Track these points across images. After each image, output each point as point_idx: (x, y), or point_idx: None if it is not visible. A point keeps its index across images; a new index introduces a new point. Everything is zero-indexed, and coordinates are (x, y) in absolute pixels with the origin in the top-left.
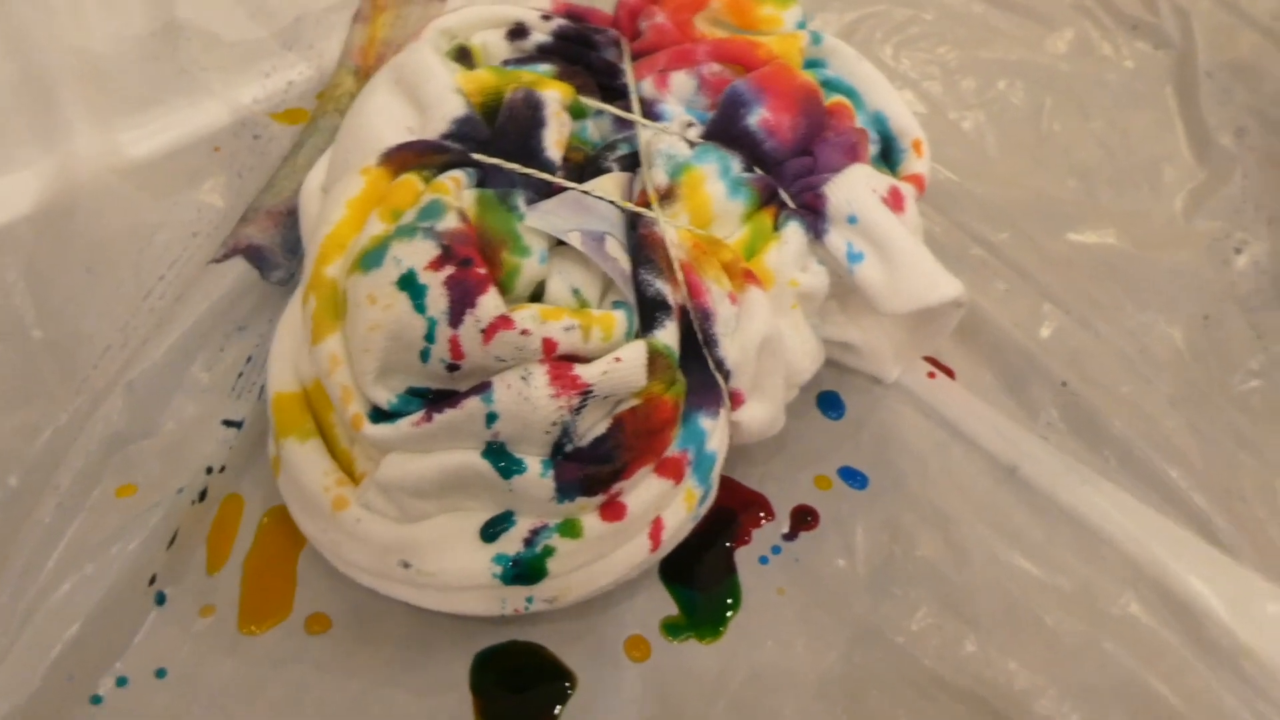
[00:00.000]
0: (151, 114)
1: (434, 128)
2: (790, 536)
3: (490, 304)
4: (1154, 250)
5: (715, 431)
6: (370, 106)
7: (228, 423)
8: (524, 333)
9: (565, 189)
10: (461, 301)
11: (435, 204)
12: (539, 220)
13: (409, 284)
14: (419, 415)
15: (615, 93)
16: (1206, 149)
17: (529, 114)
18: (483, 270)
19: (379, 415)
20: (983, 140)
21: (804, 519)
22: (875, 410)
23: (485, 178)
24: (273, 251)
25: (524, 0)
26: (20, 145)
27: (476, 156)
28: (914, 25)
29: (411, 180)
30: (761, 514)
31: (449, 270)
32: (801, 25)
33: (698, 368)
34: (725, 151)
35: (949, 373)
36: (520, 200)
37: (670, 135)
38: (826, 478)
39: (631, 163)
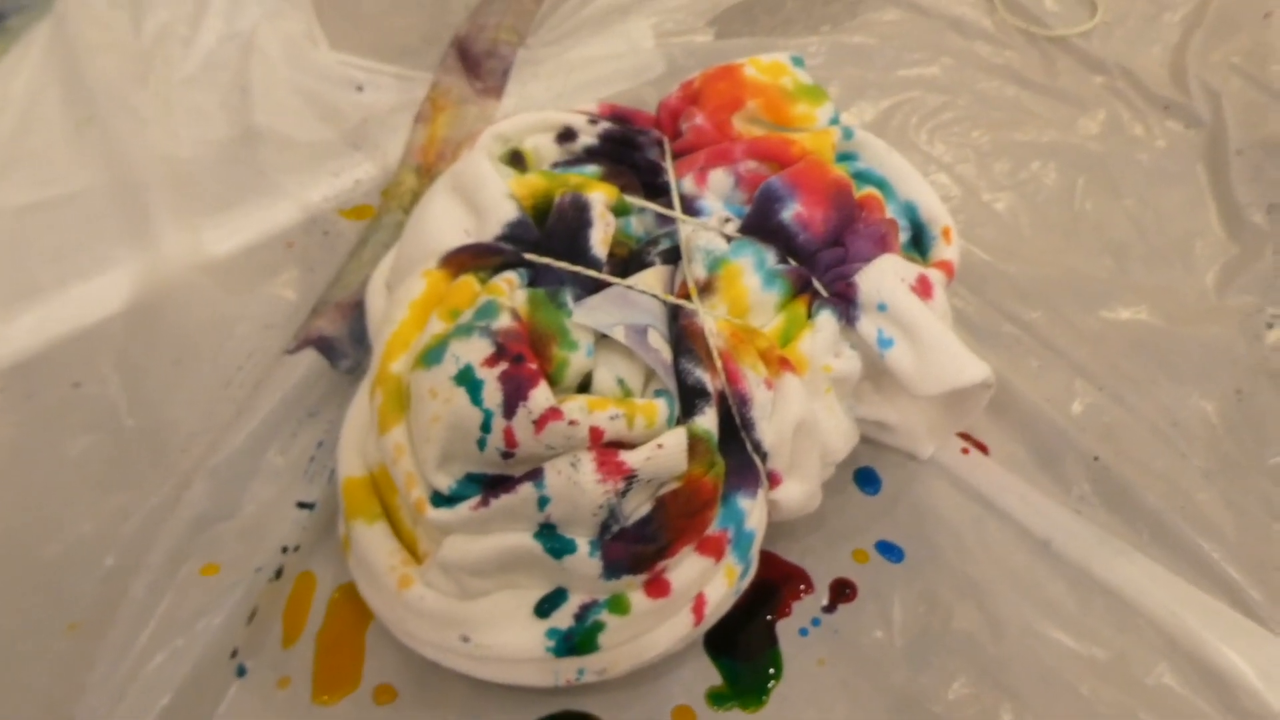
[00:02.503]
0: (231, 214)
1: (489, 231)
2: (829, 609)
3: (541, 397)
4: (1186, 325)
5: (754, 510)
6: (431, 211)
7: (301, 504)
8: (572, 423)
9: (611, 284)
10: (514, 395)
11: (490, 304)
12: (586, 316)
13: (467, 379)
14: (476, 500)
15: (658, 190)
16: (1238, 226)
17: (576, 215)
18: (534, 365)
19: (440, 499)
20: (1016, 221)
21: (843, 592)
22: (911, 486)
23: (537, 276)
24: (341, 342)
25: (572, 101)
26: (114, 246)
27: (528, 256)
28: (948, 110)
29: (469, 282)
30: (801, 587)
31: (503, 366)
32: (834, 121)
33: (737, 450)
34: (760, 245)
35: (982, 448)
36: (569, 297)
37: (709, 230)
38: (864, 551)
39: (673, 256)
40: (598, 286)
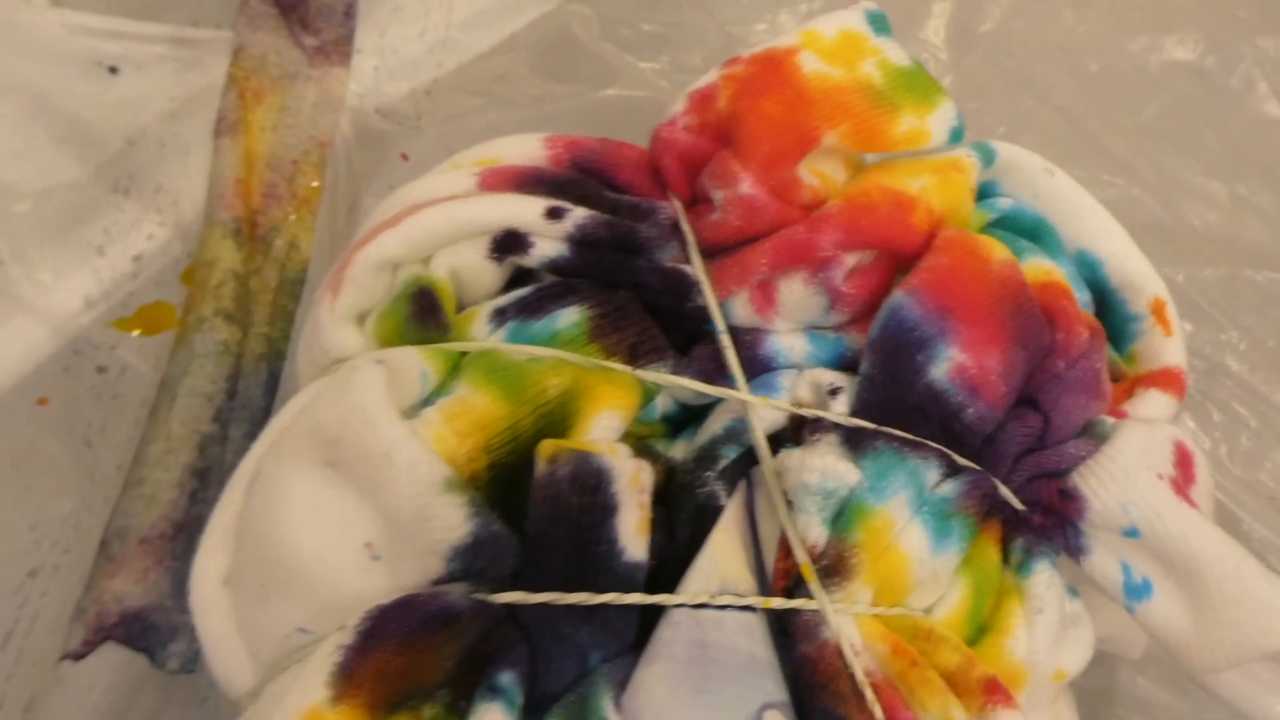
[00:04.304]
0: None
1: (420, 559)
2: None
3: None
4: None
5: None
6: (291, 521)
7: None
8: None
9: (669, 607)
10: None
11: None
12: None
13: None
14: None
15: (686, 320)
16: None
17: (585, 502)
18: None
19: None
20: None
21: None
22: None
23: (530, 636)
24: (158, 615)
25: (464, 47)
26: None
27: (506, 600)
28: None
29: None
30: None
31: None
32: (957, 134)
33: None
34: (913, 457)
35: None
36: (606, 698)
37: (801, 413)
38: None
39: (745, 462)
40: (647, 620)
